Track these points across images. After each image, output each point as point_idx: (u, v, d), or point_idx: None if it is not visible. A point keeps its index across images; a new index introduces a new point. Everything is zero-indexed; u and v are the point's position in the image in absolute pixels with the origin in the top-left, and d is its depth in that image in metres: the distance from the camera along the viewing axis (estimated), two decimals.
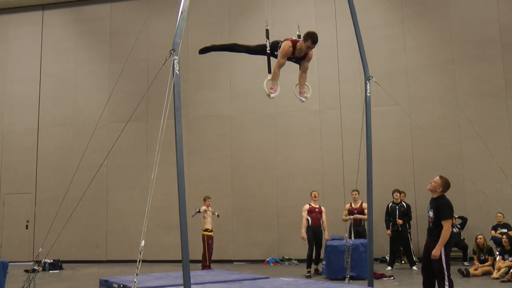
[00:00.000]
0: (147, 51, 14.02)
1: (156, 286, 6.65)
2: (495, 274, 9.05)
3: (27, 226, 14.47)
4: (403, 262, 11.43)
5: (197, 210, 10.87)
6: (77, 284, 9.99)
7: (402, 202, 10.96)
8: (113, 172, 13.99)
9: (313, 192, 10.45)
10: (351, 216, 10.62)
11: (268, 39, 6.01)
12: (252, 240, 13.07)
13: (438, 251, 5.65)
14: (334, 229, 10.92)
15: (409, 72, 12.64)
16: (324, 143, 12.84)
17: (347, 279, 8.06)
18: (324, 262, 9.76)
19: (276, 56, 5.89)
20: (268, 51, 5.96)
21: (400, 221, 10.64)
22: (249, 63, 12.10)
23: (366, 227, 9.74)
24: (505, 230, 10.14)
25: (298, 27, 6.09)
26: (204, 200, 11.16)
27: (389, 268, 10.51)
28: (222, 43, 7.21)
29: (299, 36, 5.88)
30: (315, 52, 6.29)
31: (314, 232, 10.10)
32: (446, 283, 5.65)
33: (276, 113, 13.32)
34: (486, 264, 9.79)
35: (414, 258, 10.72)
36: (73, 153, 13.88)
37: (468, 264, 10.62)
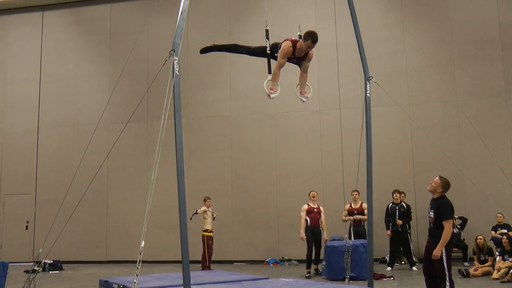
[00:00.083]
0: (147, 51, 14.02)
1: (156, 286, 6.66)
2: (495, 275, 9.04)
3: (27, 226, 14.47)
4: (403, 262, 11.43)
5: (195, 212, 10.84)
6: (77, 284, 9.98)
7: (402, 203, 10.96)
8: (113, 173, 14.00)
9: (311, 192, 10.43)
10: (351, 217, 10.61)
11: (268, 40, 6.00)
12: (252, 240, 13.07)
13: (439, 251, 5.66)
14: (334, 229, 10.92)
15: (409, 73, 12.64)
16: (324, 144, 12.84)
17: (347, 280, 8.05)
18: (324, 263, 9.76)
19: (276, 58, 5.87)
20: (268, 52, 5.96)
21: (400, 222, 10.64)
22: (249, 64, 12.10)
23: (366, 227, 9.74)
24: (505, 231, 10.13)
25: (299, 27, 6.09)
26: (204, 200, 11.15)
27: (389, 268, 10.51)
28: (223, 43, 7.19)
29: (300, 37, 5.86)
30: (315, 52, 6.29)
31: (313, 233, 10.09)
32: (447, 283, 5.65)
33: (276, 113, 13.32)
34: (486, 264, 9.79)
35: (414, 259, 10.72)
36: (73, 153, 13.88)
37: (468, 265, 10.61)
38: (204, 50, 6.37)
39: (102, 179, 13.36)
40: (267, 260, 12.69)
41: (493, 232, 10.39)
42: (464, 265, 10.58)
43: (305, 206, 10.28)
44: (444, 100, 12.26)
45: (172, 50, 4.96)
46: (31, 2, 15.21)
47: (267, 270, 11.08)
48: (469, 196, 11.47)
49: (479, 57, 12.30)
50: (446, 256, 5.68)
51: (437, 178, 5.97)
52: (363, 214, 10.41)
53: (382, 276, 9.36)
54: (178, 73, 4.96)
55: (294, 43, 5.79)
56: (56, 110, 14.81)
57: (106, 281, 7.08)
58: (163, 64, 5.00)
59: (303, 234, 10.06)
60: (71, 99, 14.82)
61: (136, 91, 13.00)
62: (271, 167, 13.22)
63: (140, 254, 4.39)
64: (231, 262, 12.92)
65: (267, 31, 6.07)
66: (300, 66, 6.03)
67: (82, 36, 15.14)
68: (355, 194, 10.60)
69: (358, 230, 10.58)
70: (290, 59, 5.90)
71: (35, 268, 7.13)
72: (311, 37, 5.67)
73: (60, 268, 12.39)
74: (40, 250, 7.05)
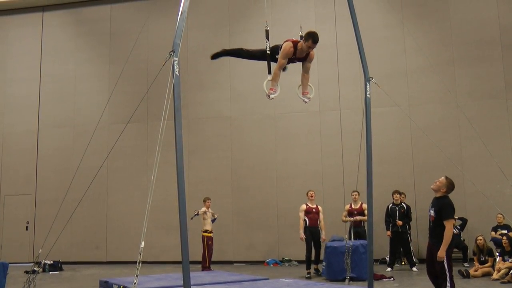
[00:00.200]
0: (147, 52, 14.03)
1: (156, 287, 6.66)
2: (495, 275, 9.03)
3: (27, 227, 14.46)
4: (403, 263, 11.41)
5: (196, 213, 10.85)
6: (77, 285, 9.97)
7: (402, 203, 10.95)
8: (113, 173, 13.99)
9: (309, 192, 10.39)
10: (351, 218, 10.60)
11: (268, 40, 6.01)
12: (252, 241, 13.06)
13: (443, 252, 5.63)
14: (334, 230, 10.92)
15: (409, 73, 12.65)
16: (324, 144, 12.84)
17: (347, 280, 8.05)
18: (324, 263, 9.75)
19: (276, 61, 5.86)
20: (268, 52, 5.96)
21: (400, 222, 10.63)
22: (249, 64, 11.97)
23: (366, 228, 9.74)
24: (505, 231, 10.12)
25: (301, 28, 6.10)
26: (204, 201, 11.15)
27: (389, 269, 10.49)
28: (231, 48, 7.13)
29: (301, 37, 5.87)
30: (315, 53, 6.29)
31: (312, 233, 10.08)
32: (448, 284, 5.65)
33: (276, 114, 13.32)
34: (486, 265, 9.78)
35: (414, 259, 10.70)
36: (73, 154, 13.88)
37: (468, 265, 10.60)
38: (215, 56, 6.38)
39: (102, 179, 13.34)
40: (267, 260, 12.69)
41: (493, 233, 10.39)
42: (464, 266, 10.57)
43: (304, 206, 10.25)
44: (444, 100, 12.26)
45: (172, 51, 4.96)
46: (31, 2, 15.21)
47: (267, 271, 11.07)
48: (469, 197, 11.47)
49: (479, 58, 12.31)
50: (447, 257, 5.67)
51: (443, 177, 5.96)
52: (363, 215, 10.40)
53: (382, 277, 9.35)
54: (178, 74, 4.96)
55: (295, 43, 5.80)
56: (56, 111, 14.81)
57: (106, 282, 7.09)
58: (163, 65, 5.00)
59: (302, 235, 10.05)
60: (71, 99, 14.81)
61: (136, 92, 13.00)
62: (271, 167, 13.22)
63: (140, 254, 4.39)
64: (231, 262, 12.91)
65: (267, 31, 6.07)
66: (301, 66, 6.03)
67: (82, 37, 15.14)
68: (355, 195, 10.59)
69: (358, 230, 10.57)
70: (291, 60, 5.90)
71: (35, 268, 7.14)
72: (312, 38, 5.68)
73: (60, 269, 12.39)
74: (40, 250, 7.04)
